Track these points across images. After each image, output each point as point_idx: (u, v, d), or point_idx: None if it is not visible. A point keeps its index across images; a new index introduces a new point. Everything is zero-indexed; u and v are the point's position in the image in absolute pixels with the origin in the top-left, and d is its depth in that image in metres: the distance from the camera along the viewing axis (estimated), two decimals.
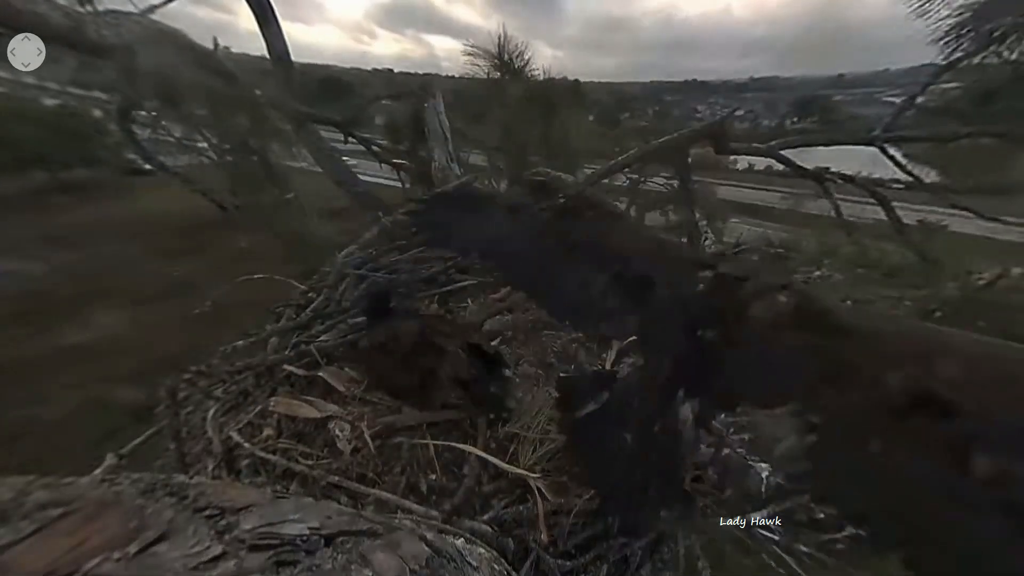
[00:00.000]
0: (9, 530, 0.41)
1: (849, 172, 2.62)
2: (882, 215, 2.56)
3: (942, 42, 1.99)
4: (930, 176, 2.51)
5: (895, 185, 2.63)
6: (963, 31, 1.94)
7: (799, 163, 2.70)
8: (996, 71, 1.99)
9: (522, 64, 3.25)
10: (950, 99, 2.35)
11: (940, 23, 1.96)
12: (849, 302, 1.72)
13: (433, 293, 1.82)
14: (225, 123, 2.78)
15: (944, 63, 2.09)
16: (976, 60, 2.00)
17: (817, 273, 2.35)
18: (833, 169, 2.70)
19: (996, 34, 1.89)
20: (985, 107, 2.14)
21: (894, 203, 2.56)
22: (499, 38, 3.19)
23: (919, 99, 2.42)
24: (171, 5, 2.45)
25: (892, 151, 2.40)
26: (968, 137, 2.20)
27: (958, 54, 2.00)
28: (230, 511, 0.53)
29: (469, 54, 3.22)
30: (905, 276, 1.96)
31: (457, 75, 3.55)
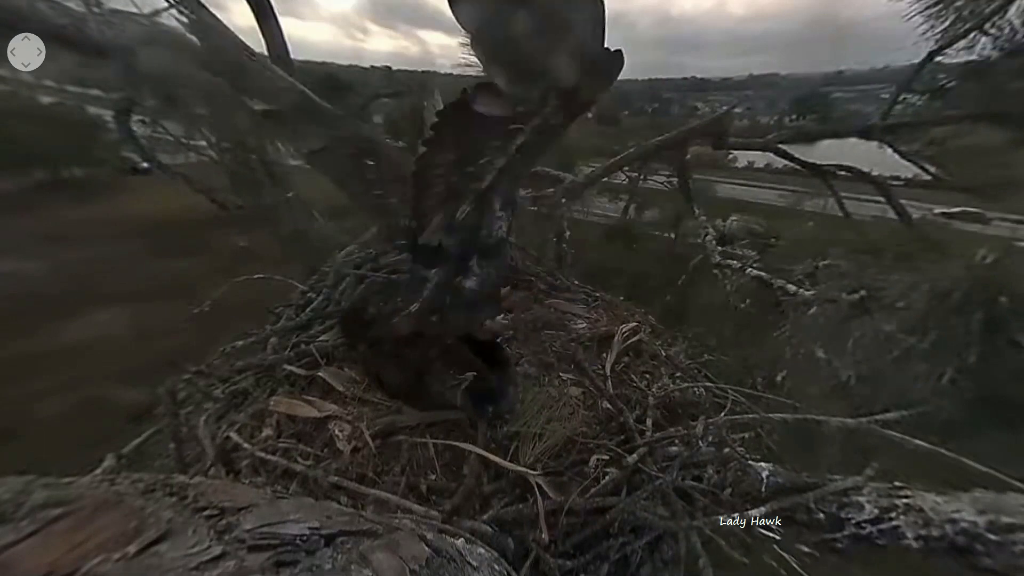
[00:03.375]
0: (9, 530, 0.41)
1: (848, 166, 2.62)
2: (882, 213, 2.56)
3: (927, 23, 1.96)
4: (929, 173, 2.51)
5: (895, 183, 2.63)
6: (945, 8, 1.91)
7: (799, 157, 2.70)
8: (997, 67, 1.97)
9: None
10: (943, 85, 2.34)
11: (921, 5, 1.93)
12: (863, 291, 1.70)
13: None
14: (225, 122, 2.77)
15: (932, 50, 2.07)
16: (965, 42, 1.98)
17: (824, 263, 2.34)
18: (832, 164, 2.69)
19: (986, 11, 1.87)
20: (976, 88, 2.13)
21: None
22: None
23: (911, 87, 2.41)
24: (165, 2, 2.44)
25: (891, 144, 2.39)
26: (961, 120, 2.20)
27: (941, 37, 1.98)
28: (230, 511, 0.53)
29: (465, 53, 3.21)
30: (912, 261, 1.95)
31: (455, 72, 3.54)
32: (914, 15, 1.94)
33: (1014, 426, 1.32)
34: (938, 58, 2.13)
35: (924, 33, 1.99)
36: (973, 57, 2.03)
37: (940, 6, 1.90)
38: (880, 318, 1.60)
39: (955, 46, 2.03)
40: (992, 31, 1.91)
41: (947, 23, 1.94)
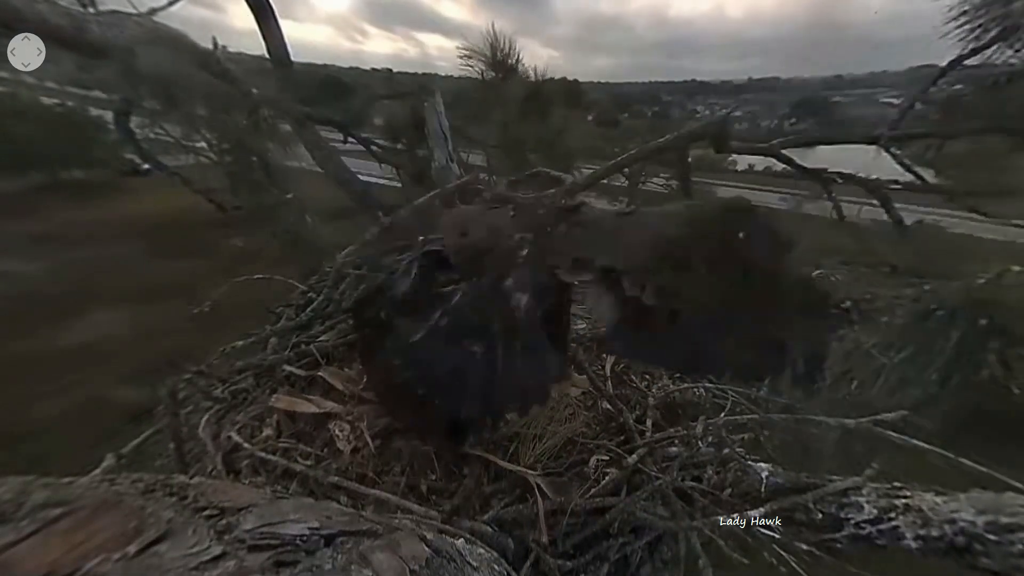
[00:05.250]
0: (9, 530, 0.41)
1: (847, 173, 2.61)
2: (882, 216, 2.56)
3: (956, 30, 1.90)
4: (929, 177, 2.51)
5: (893, 186, 2.63)
6: (978, 18, 1.86)
7: (800, 162, 2.70)
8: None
9: (514, 63, 3.24)
10: (954, 96, 2.32)
11: (951, 13, 1.87)
12: (849, 302, 1.72)
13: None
14: (225, 123, 2.77)
15: (953, 59, 2.03)
16: (990, 52, 1.94)
17: (816, 272, 2.35)
18: (831, 169, 2.69)
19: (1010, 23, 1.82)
20: (991, 101, 2.10)
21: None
22: (490, 38, 3.18)
23: (925, 96, 2.38)
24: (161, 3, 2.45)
25: (896, 151, 2.38)
26: (973, 133, 2.17)
27: (971, 45, 1.93)
28: (230, 511, 0.53)
29: (463, 56, 3.21)
30: (905, 276, 1.96)
31: (454, 75, 3.54)
32: (955, 14, 1.87)
33: (991, 440, 1.33)
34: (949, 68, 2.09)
35: (957, 39, 1.93)
36: (985, 66, 2.00)
37: (976, 12, 1.85)
38: (863, 330, 1.62)
39: (980, 58, 1.98)
40: (1018, 44, 1.87)
41: (978, 31, 1.89)
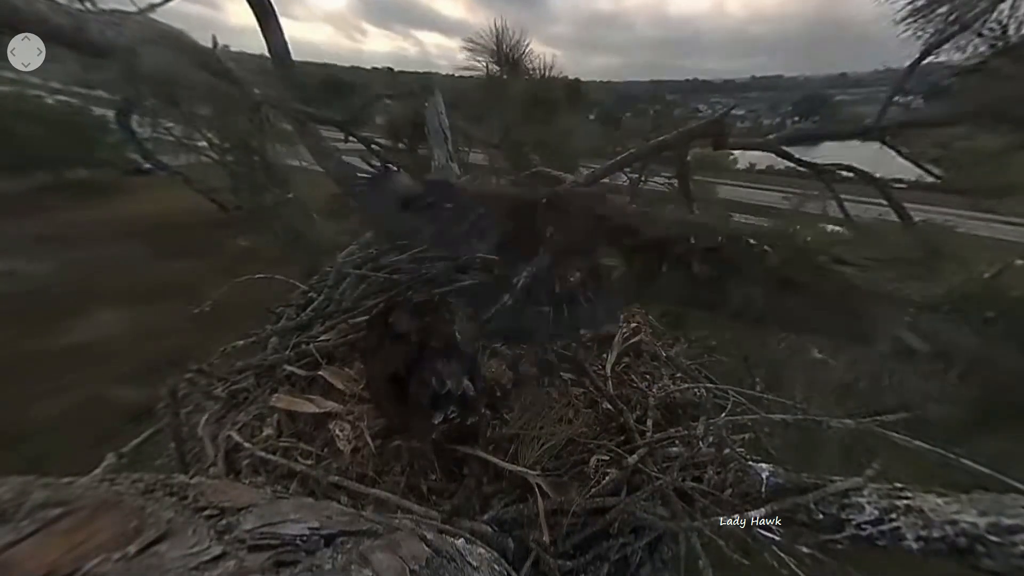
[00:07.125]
0: (9, 530, 0.41)
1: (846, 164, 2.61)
2: (884, 215, 2.55)
3: (910, 24, 1.94)
4: (933, 175, 2.50)
5: (897, 185, 2.62)
6: (931, 12, 1.89)
7: (800, 157, 2.69)
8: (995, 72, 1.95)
9: (519, 55, 3.21)
10: (936, 85, 2.34)
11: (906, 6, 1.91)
12: None
13: (433, 293, 1.81)
14: (226, 123, 2.77)
15: (922, 51, 2.06)
16: (956, 42, 1.97)
17: None
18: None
19: (971, 14, 1.85)
20: (971, 88, 2.11)
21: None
22: (495, 31, 3.15)
23: (907, 89, 2.40)
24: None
25: (896, 146, 2.38)
26: (961, 121, 2.19)
27: (928, 38, 1.96)
28: (230, 511, 0.53)
29: (468, 48, 3.19)
30: (910, 268, 1.96)
31: (455, 74, 3.52)
32: (903, 15, 1.92)
33: (1010, 429, 1.32)
34: (930, 59, 2.12)
35: (913, 35, 1.97)
36: (967, 56, 2.02)
37: (927, 8, 1.88)
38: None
39: (950, 45, 2.01)
40: (985, 32, 1.89)
41: (937, 25, 1.92)
